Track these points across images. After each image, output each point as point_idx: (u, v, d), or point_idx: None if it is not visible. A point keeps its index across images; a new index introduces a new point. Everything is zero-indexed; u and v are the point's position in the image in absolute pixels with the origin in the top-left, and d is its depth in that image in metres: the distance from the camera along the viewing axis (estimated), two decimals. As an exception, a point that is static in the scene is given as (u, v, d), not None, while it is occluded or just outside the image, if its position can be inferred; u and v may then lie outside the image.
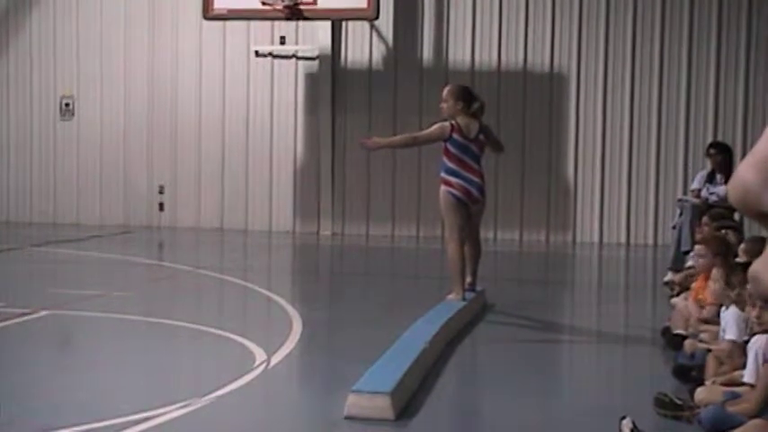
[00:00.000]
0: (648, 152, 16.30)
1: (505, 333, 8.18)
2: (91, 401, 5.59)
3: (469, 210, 8.67)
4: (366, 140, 9.32)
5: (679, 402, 5.25)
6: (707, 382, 5.43)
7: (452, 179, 8.56)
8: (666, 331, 7.27)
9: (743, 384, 5.01)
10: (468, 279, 8.85)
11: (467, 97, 8.70)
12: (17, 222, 18.02)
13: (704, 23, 16.07)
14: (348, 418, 5.20)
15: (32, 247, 14.50)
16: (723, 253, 6.67)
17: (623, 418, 4.76)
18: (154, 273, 12.35)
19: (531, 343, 7.88)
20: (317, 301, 10.53)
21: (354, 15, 16.03)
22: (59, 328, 8.22)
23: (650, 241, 16.24)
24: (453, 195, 8.56)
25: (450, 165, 8.58)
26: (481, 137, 8.68)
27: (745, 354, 5.20)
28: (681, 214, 10.91)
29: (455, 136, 8.57)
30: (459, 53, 16.74)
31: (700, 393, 5.26)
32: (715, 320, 6.39)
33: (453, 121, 8.61)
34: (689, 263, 9.78)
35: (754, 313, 4.93)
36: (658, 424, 5.13)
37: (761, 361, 4.85)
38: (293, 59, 17.29)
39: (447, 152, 8.60)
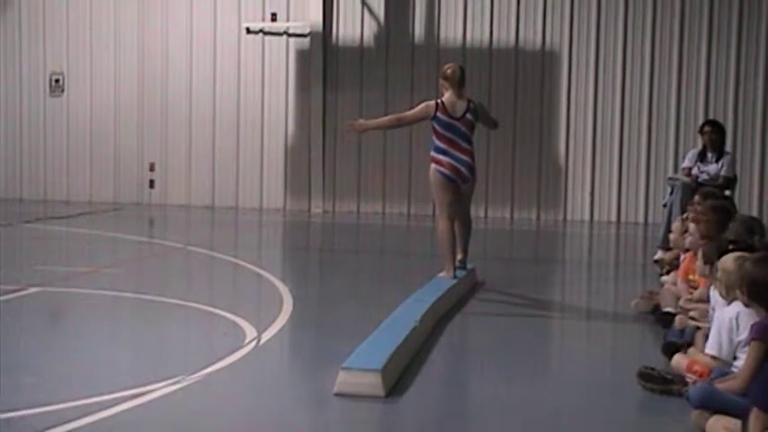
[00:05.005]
0: (640, 130, 16.30)
1: (496, 310, 8.20)
2: (81, 378, 5.60)
3: (459, 188, 8.67)
4: (352, 123, 9.31)
5: (669, 377, 5.28)
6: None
7: (441, 157, 8.58)
8: (656, 309, 7.29)
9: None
10: (459, 256, 8.85)
11: (453, 77, 8.68)
12: (7, 199, 17.95)
13: (696, 0, 16.05)
14: (338, 394, 5.21)
15: (22, 223, 14.46)
16: (711, 236, 6.67)
17: None
18: (144, 250, 12.33)
19: (521, 320, 7.91)
20: (307, 279, 10.54)
21: (346, -8, 15.99)
22: (49, 305, 8.22)
23: (641, 219, 16.27)
24: (442, 174, 8.57)
25: (439, 143, 8.60)
26: (469, 116, 8.66)
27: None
28: (671, 192, 10.92)
29: (440, 115, 8.57)
30: (450, 30, 16.68)
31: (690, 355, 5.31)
32: (704, 298, 6.41)
33: (438, 101, 8.63)
34: (679, 241, 9.80)
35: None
36: (645, 400, 5.15)
37: (724, 336, 4.90)
38: (284, 36, 17.22)
39: (435, 131, 8.64)
